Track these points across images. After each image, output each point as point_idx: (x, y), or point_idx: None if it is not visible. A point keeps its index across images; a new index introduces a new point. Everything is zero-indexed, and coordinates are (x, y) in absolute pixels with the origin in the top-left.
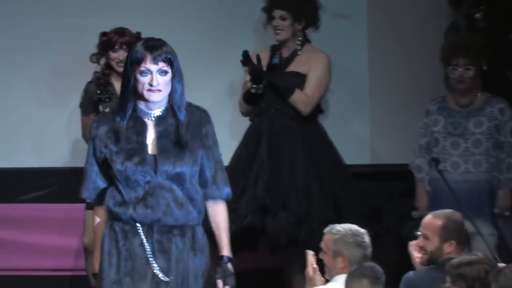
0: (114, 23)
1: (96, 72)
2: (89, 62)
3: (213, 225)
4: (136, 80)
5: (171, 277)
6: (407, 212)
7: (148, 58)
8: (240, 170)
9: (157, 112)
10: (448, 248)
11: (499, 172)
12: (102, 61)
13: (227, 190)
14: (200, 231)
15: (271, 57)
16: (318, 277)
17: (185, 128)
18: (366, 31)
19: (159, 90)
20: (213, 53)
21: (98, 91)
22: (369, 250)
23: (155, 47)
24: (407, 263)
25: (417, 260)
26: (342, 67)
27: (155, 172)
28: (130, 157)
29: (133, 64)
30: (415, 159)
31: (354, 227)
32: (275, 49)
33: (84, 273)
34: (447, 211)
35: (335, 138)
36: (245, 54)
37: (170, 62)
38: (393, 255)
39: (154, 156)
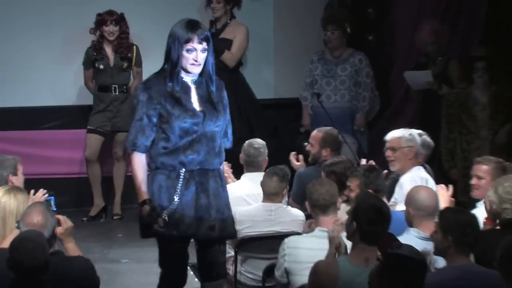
0: (106, 7)
1: (93, 41)
2: (89, 34)
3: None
4: (181, 56)
5: (212, 211)
6: (298, 129)
7: (195, 39)
8: None
9: (195, 78)
10: (325, 152)
11: (357, 102)
12: (98, 33)
13: (231, 140)
14: (221, 171)
15: (210, 29)
16: (230, 179)
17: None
18: (272, 8)
19: (200, 64)
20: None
21: (95, 53)
22: (259, 157)
23: (199, 28)
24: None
25: (294, 164)
26: (255, 33)
27: (203, 124)
28: (186, 111)
29: (181, 43)
30: (302, 92)
31: (253, 140)
32: (212, 23)
33: (86, 175)
34: (327, 128)
35: (250, 81)
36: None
37: (208, 40)
38: (287, 156)
39: (202, 111)
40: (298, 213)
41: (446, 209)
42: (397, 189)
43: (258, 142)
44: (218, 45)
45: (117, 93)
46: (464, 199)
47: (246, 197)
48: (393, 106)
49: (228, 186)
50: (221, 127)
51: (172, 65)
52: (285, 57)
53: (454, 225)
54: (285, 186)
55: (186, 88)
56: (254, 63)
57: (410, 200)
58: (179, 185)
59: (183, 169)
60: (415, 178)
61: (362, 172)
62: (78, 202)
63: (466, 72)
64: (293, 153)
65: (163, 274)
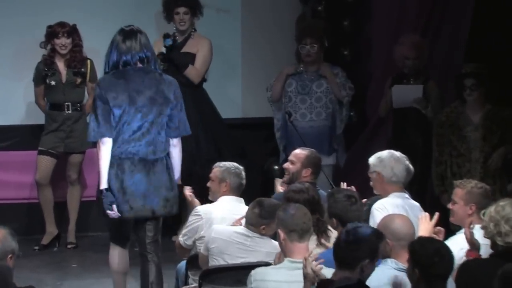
0: (58, 18)
1: (44, 55)
2: (39, 48)
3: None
4: None
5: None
6: (269, 151)
7: None
8: None
9: None
10: (305, 173)
11: (335, 119)
12: (49, 47)
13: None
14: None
15: (164, 40)
16: (197, 200)
17: None
18: (240, 21)
19: None
20: None
21: (46, 68)
22: (244, 182)
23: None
24: (267, 186)
25: (278, 191)
26: (221, 47)
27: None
28: None
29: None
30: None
31: (236, 164)
32: (165, 36)
33: (37, 200)
34: (312, 149)
35: (216, 99)
36: (174, 37)
37: None
38: (257, 183)
39: None
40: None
41: (416, 239)
42: (370, 218)
43: (241, 168)
44: (181, 59)
45: (70, 111)
46: (456, 227)
47: (222, 220)
48: (371, 125)
49: (204, 206)
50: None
51: None
52: (253, 72)
53: (420, 256)
54: (266, 223)
55: None
56: (220, 79)
57: (383, 229)
58: None
59: None
60: (386, 206)
61: (342, 198)
62: (28, 229)
63: (457, 90)
64: (281, 180)
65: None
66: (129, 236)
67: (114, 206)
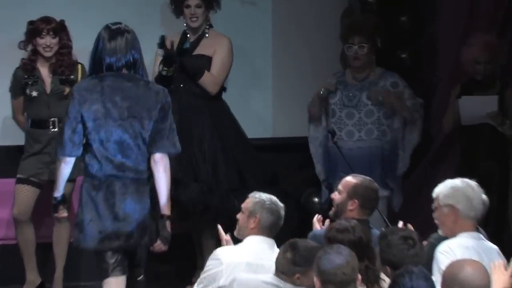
0: (41, 12)
1: (23, 59)
2: (18, 49)
3: None
4: None
5: None
6: (305, 180)
7: None
8: None
9: None
10: (351, 205)
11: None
12: (30, 48)
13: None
14: None
15: (182, 42)
16: (231, 243)
17: None
18: (270, 15)
19: None
20: None
21: (26, 76)
22: (280, 222)
23: None
24: (305, 224)
25: (317, 227)
26: (247, 49)
27: None
28: None
29: None
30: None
31: (276, 199)
32: (186, 35)
33: (14, 241)
34: (367, 177)
35: (239, 113)
36: (162, 39)
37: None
38: (293, 219)
39: None
40: None
41: None
42: (433, 264)
43: (279, 204)
44: (193, 64)
45: (56, 129)
46: None
47: (247, 267)
48: (435, 147)
49: (225, 249)
50: None
51: None
52: (287, 81)
53: None
54: (301, 271)
55: None
56: (244, 88)
57: (450, 279)
58: None
59: None
60: (453, 248)
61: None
62: (4, 277)
63: None
64: (318, 216)
65: None
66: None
67: (62, 210)
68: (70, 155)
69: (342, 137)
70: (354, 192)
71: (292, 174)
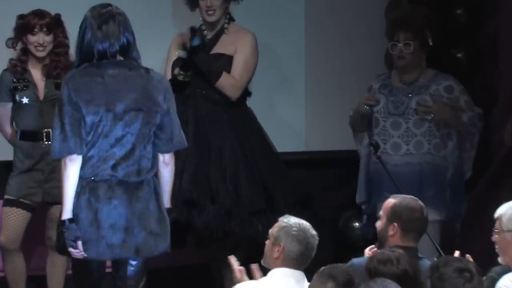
0: (33, 5)
1: (11, 59)
2: (5, 48)
3: None
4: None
5: None
6: (343, 202)
7: None
8: None
9: None
10: (392, 230)
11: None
12: (19, 46)
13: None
14: None
15: (191, 39)
16: (246, 278)
17: None
18: (303, 7)
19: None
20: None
21: (14, 79)
22: (311, 252)
23: None
24: (343, 254)
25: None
26: (275, 47)
27: None
28: None
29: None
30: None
31: (307, 225)
32: (194, 31)
33: (1, 274)
34: (408, 196)
35: (266, 123)
36: (193, 31)
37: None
38: (329, 247)
39: None
40: None
41: None
42: None
43: (310, 232)
44: (210, 64)
45: (50, 142)
46: None
47: None
48: (498, 161)
49: (246, 284)
50: None
51: None
52: (323, 86)
53: None
54: None
55: None
56: (271, 94)
57: None
58: None
59: None
60: None
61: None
62: None
63: None
64: (373, 248)
65: None
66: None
67: (80, 243)
68: (77, 152)
69: (387, 150)
70: (392, 214)
71: (329, 194)
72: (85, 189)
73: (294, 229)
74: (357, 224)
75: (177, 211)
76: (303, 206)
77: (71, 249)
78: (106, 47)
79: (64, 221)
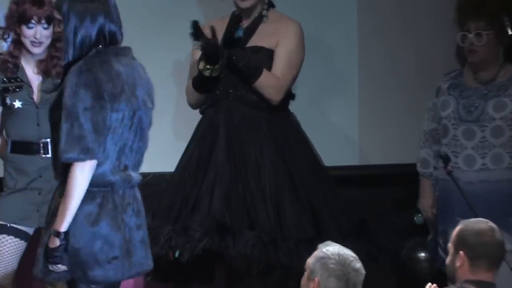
0: None
1: (1, 54)
2: None
3: None
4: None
5: None
6: (406, 226)
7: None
8: (191, 178)
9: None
10: (458, 261)
11: None
12: (11, 38)
13: (65, 156)
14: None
15: (234, 28)
16: None
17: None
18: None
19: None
20: (154, 26)
21: (5, 79)
22: None
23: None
24: None
25: None
26: (325, 40)
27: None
28: None
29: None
30: (420, 149)
31: (349, 255)
32: (238, 19)
33: None
34: (478, 219)
35: (312, 131)
36: (195, 25)
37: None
38: (390, 281)
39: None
40: None
41: None
42: None
43: (352, 265)
44: (246, 60)
45: (49, 155)
46: None
47: None
48: None
49: None
50: None
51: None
52: (379, 88)
53: None
54: None
55: None
56: (319, 96)
57: None
58: None
59: None
60: None
61: None
62: None
63: None
64: (433, 286)
65: None
66: None
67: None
68: (98, 157)
69: (459, 165)
70: (458, 241)
71: (388, 218)
72: (113, 202)
73: (332, 261)
74: (423, 254)
75: (207, 237)
76: (357, 233)
77: (53, 266)
78: (116, 29)
79: (59, 233)
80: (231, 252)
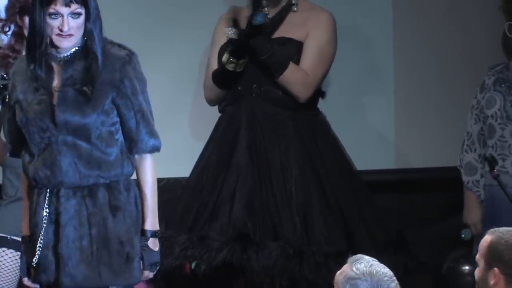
0: None
1: (0, 48)
2: None
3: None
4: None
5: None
6: (450, 237)
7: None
8: (209, 182)
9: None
10: (492, 278)
11: None
12: (11, 30)
13: (152, 142)
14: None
15: (252, 15)
16: None
17: (98, 73)
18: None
19: (70, 35)
20: (169, 17)
21: (4, 75)
22: None
23: None
24: None
25: None
26: (358, 32)
27: (55, 125)
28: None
29: (42, 5)
30: (464, 154)
31: (382, 274)
32: (257, 3)
33: None
34: (506, 229)
35: (344, 133)
36: (235, 12)
37: (83, 2)
38: None
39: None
40: None
41: None
42: None
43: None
44: (273, 52)
45: None
46: None
47: None
48: None
49: None
50: (95, 120)
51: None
52: (418, 81)
53: None
54: None
55: (48, 71)
56: (351, 94)
57: None
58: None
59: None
60: None
61: None
62: None
63: None
64: None
65: None
66: None
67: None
68: None
69: (507, 169)
70: (490, 255)
71: (428, 228)
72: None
73: (364, 284)
74: (467, 267)
75: (227, 248)
76: (394, 245)
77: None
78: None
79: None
80: (254, 265)
